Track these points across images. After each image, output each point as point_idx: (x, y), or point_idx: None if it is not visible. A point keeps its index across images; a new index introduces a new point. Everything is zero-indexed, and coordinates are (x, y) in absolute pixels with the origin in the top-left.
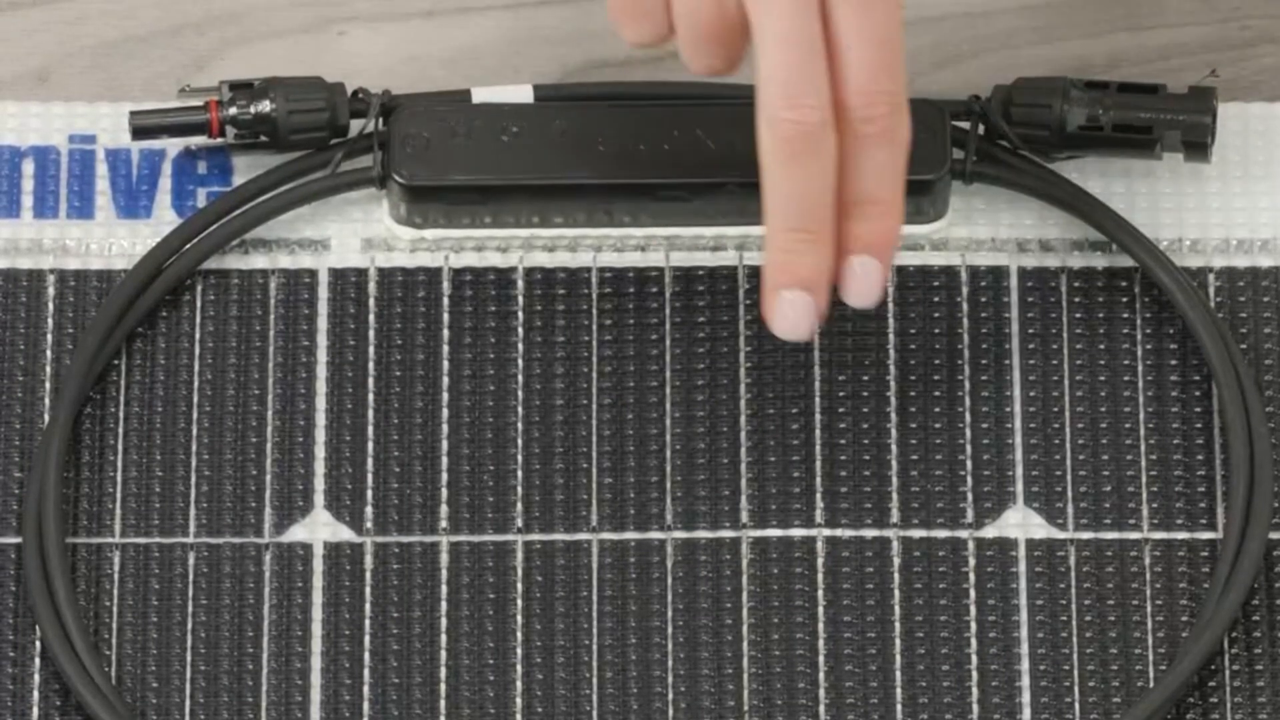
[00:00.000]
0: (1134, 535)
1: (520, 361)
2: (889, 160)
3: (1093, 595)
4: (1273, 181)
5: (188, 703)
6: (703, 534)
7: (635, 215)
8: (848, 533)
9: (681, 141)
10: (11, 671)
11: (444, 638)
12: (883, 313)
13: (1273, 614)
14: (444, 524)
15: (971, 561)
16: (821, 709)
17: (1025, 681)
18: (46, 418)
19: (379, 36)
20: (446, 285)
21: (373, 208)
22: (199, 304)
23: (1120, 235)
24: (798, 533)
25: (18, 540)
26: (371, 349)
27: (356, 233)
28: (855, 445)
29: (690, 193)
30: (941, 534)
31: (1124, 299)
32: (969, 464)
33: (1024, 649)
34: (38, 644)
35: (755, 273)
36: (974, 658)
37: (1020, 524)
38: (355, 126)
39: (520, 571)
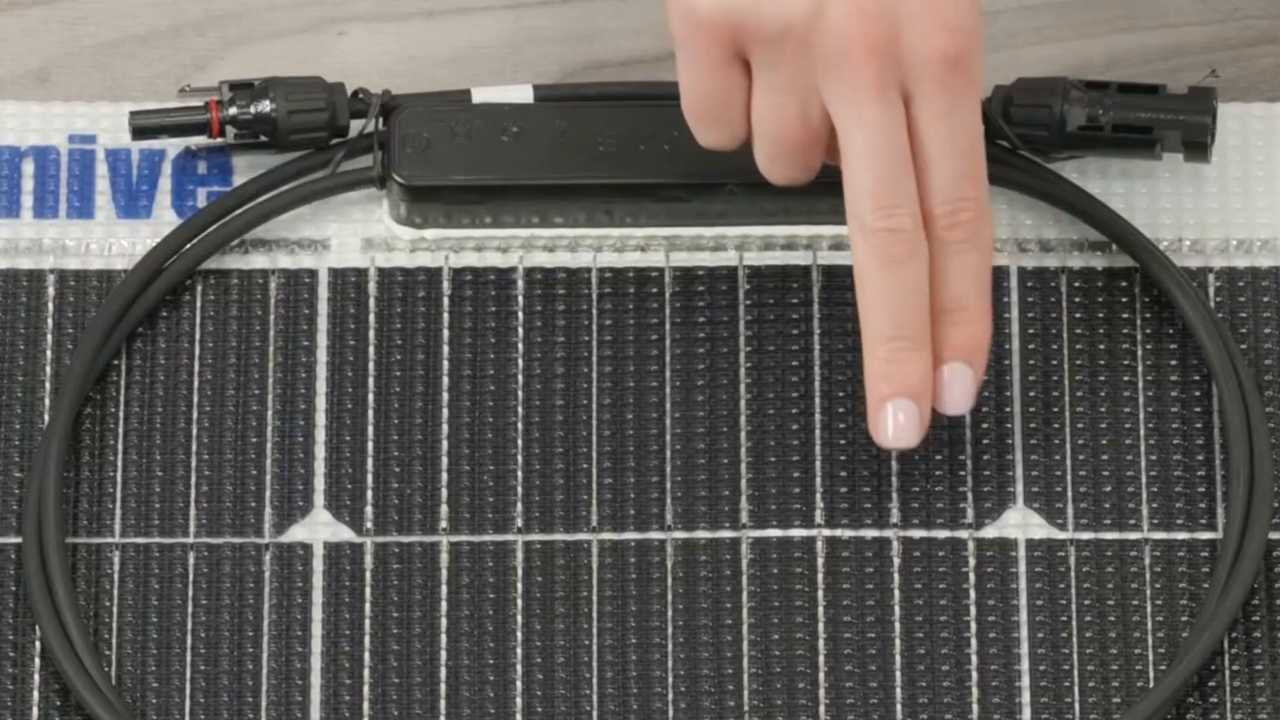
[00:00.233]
0: (1134, 535)
1: (520, 361)
2: (976, 266)
3: (1093, 595)
4: (1272, 181)
5: (188, 703)
6: (703, 534)
7: (635, 215)
8: (848, 533)
9: (681, 141)
10: (11, 671)
11: (444, 638)
12: None
13: (1273, 614)
14: (444, 524)
15: (971, 561)
16: (821, 709)
17: (1025, 681)
18: (46, 418)
19: (379, 36)
20: (446, 285)
21: (373, 208)
22: (199, 304)
23: (1120, 235)
24: (798, 533)
25: (18, 540)
26: (371, 349)
27: (356, 233)
28: (855, 445)
29: (690, 193)
30: (941, 534)
31: (1124, 299)
32: (969, 464)
33: (1024, 649)
34: (38, 644)
35: (755, 273)
36: (974, 658)
37: (1020, 524)
38: (355, 126)
39: (520, 571)
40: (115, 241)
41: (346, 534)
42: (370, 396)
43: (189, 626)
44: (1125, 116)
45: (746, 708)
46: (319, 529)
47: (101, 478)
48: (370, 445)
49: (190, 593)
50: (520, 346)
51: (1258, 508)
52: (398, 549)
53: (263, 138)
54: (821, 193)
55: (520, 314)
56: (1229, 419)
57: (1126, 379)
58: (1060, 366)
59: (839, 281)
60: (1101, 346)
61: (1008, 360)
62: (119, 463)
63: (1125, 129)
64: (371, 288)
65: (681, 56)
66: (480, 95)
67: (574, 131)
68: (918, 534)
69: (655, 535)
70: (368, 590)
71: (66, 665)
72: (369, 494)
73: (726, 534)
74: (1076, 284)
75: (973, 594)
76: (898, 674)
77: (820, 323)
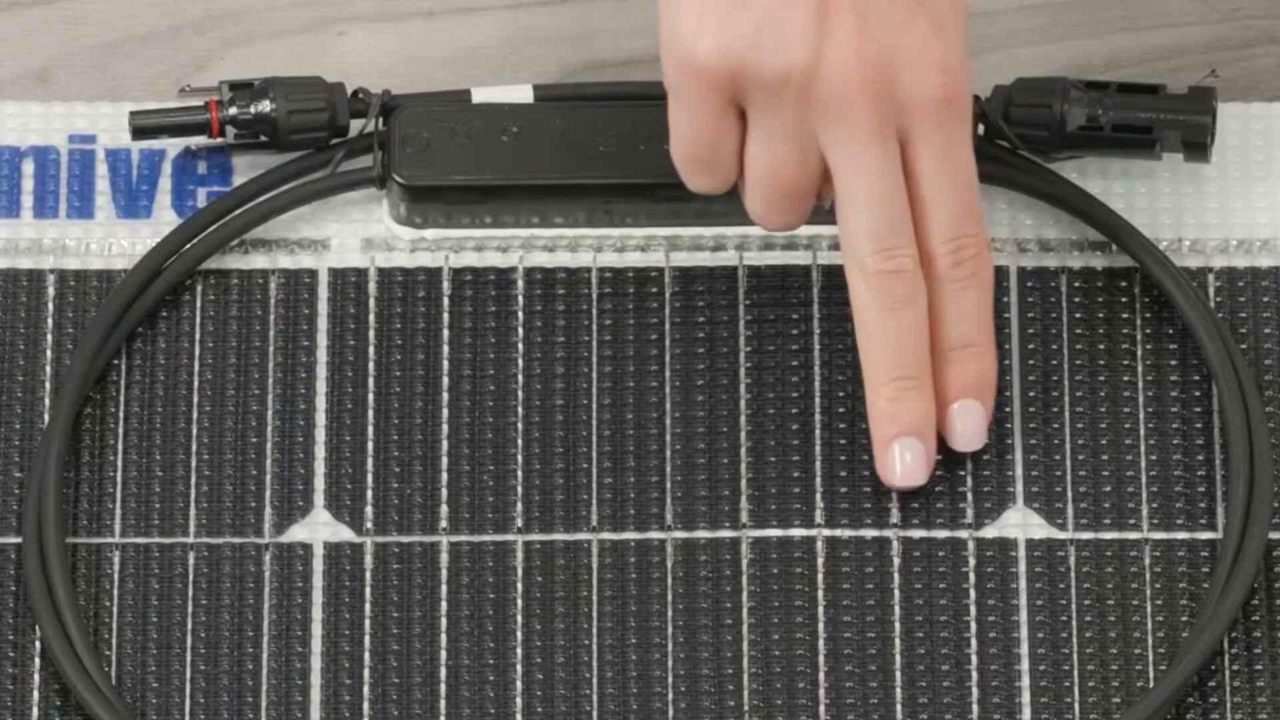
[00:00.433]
0: (1134, 535)
1: (520, 361)
2: (979, 302)
3: (1093, 595)
4: (1272, 181)
5: (188, 703)
6: (703, 534)
7: (635, 215)
8: (848, 533)
9: None
10: (11, 671)
11: (444, 638)
12: None
13: (1273, 614)
14: (444, 524)
15: (971, 561)
16: (821, 709)
17: (1025, 681)
18: (46, 418)
19: (379, 36)
20: (446, 285)
21: (373, 208)
22: (199, 304)
23: (1120, 235)
24: (798, 533)
25: (18, 540)
26: (371, 349)
27: (356, 233)
28: (855, 445)
29: (690, 193)
30: (941, 534)
31: (1124, 299)
32: (969, 464)
33: (1024, 649)
34: (38, 644)
35: (755, 273)
36: (974, 658)
37: (1020, 524)
38: (355, 126)
39: (520, 571)
40: (115, 241)
41: (346, 534)
42: (370, 396)
43: (189, 626)
44: (1125, 116)
45: (746, 708)
46: (319, 529)
47: (101, 478)
48: (370, 445)
49: (190, 593)
50: (520, 346)
51: (1258, 508)
52: (398, 549)
53: (263, 138)
54: None
55: (520, 314)
56: (1229, 419)
57: (1126, 379)
58: (1060, 366)
59: (839, 281)
60: (1101, 346)
61: (1008, 360)
62: (119, 463)
63: (1125, 129)
64: (371, 288)
65: (675, 103)
66: (480, 95)
67: (574, 131)
68: (918, 534)
69: (655, 535)
70: (368, 590)
71: (66, 665)
72: (369, 494)
73: (726, 534)
74: (1076, 284)
75: (973, 594)
76: (898, 674)
77: (820, 323)
